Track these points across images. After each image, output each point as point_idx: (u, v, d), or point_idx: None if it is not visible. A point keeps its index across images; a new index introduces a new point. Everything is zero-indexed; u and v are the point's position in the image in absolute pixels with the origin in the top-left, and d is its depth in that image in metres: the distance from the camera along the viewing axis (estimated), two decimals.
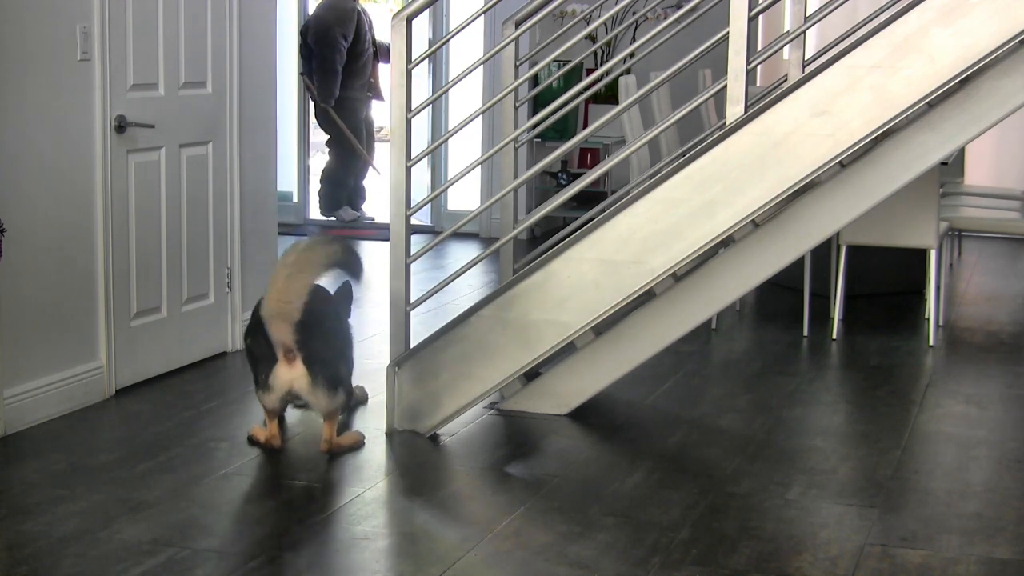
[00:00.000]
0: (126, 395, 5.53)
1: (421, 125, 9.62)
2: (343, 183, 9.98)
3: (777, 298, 7.48)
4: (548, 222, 9.40)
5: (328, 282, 5.01)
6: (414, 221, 5.26)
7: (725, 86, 4.82)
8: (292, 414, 5.21)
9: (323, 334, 4.84)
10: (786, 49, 5.67)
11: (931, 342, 6.57)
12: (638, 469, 4.79)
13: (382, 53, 9.95)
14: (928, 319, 6.66)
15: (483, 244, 9.42)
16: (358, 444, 4.96)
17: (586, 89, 5.72)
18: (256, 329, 4.89)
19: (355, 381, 5.19)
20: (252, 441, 4.93)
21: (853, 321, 7.03)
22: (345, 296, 5.35)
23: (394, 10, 9.47)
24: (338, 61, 9.40)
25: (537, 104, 8.50)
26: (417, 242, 5.64)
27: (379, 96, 9.97)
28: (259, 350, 4.85)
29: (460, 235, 9.50)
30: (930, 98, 4.73)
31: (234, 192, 6.19)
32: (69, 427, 5.11)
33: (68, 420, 5.18)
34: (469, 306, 5.17)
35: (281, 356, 4.77)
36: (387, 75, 5.64)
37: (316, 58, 9.37)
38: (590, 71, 8.77)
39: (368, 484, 4.61)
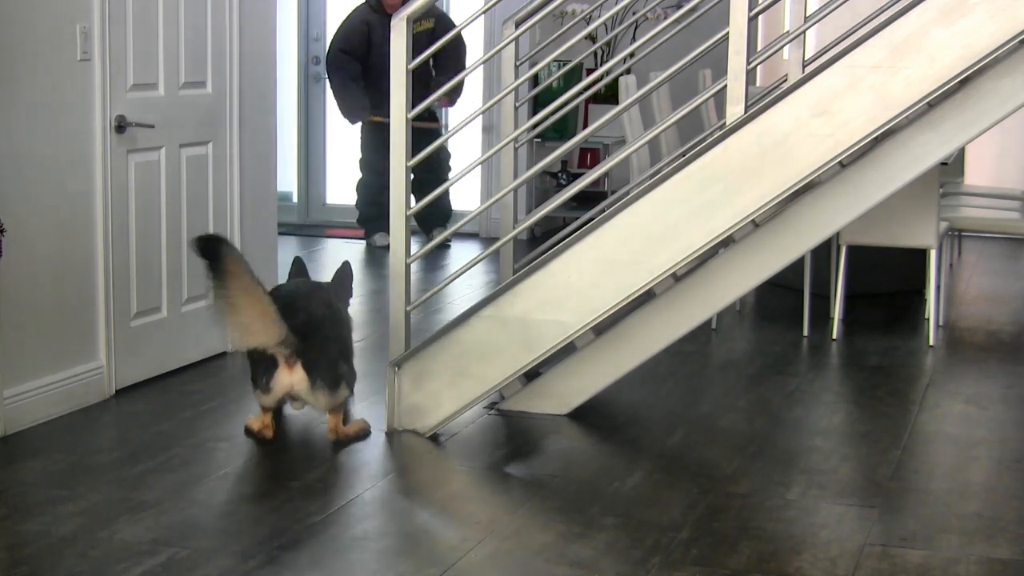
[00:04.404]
0: (126, 395, 5.53)
1: None
2: (374, 202, 9.31)
3: (777, 298, 7.48)
4: (548, 222, 9.39)
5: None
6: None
7: (725, 86, 4.82)
8: (297, 414, 5.22)
9: (320, 338, 4.87)
10: (786, 49, 5.66)
11: (931, 342, 6.57)
12: (638, 469, 4.79)
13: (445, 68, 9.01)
14: (928, 319, 6.66)
15: (483, 244, 9.41)
16: (364, 432, 5.02)
17: (586, 89, 5.72)
18: None
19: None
20: (248, 431, 4.99)
21: (853, 321, 7.03)
22: (345, 277, 5.43)
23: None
24: (344, 76, 9.11)
25: (537, 104, 8.49)
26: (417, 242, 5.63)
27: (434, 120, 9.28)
28: (259, 354, 4.86)
29: (460, 235, 9.49)
30: (930, 98, 4.73)
31: (234, 192, 6.19)
32: (69, 427, 5.11)
33: (68, 420, 5.18)
34: (469, 306, 5.17)
35: (282, 361, 4.81)
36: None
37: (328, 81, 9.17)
38: (590, 71, 8.77)
39: (368, 484, 4.61)
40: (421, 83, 8.48)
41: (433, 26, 8.85)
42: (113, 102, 5.40)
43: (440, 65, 8.94)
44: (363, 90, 9.15)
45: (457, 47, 9.06)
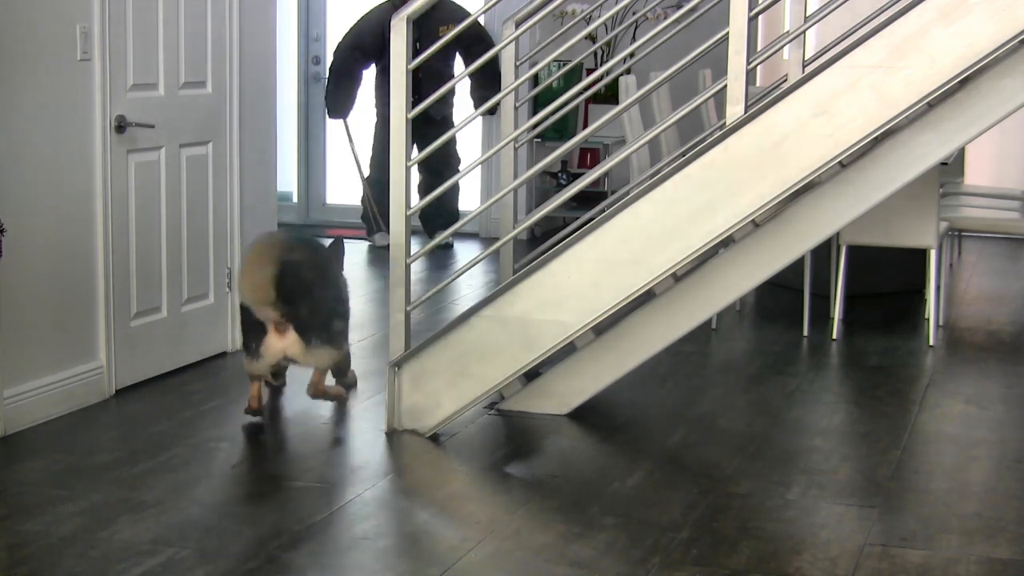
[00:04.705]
0: (126, 395, 5.53)
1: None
2: (379, 201, 9.22)
3: (777, 298, 7.48)
4: (548, 222, 9.39)
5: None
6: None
7: (725, 86, 4.82)
8: (294, 408, 5.22)
9: (311, 300, 5.01)
10: (786, 49, 5.67)
11: (931, 342, 6.57)
12: (638, 469, 4.79)
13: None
14: (928, 319, 6.66)
15: (483, 244, 9.41)
16: (341, 397, 5.27)
17: (586, 89, 5.71)
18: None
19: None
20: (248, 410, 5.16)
21: (853, 321, 7.03)
22: (336, 251, 5.59)
23: None
24: (343, 73, 9.11)
25: (537, 104, 8.49)
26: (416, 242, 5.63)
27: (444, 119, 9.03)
28: (250, 319, 5.02)
29: (460, 235, 9.49)
30: (930, 98, 4.73)
31: (234, 192, 6.19)
32: (69, 427, 5.11)
33: (68, 420, 5.18)
34: (469, 306, 5.17)
35: (272, 328, 4.93)
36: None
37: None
38: (590, 71, 8.76)
39: (368, 484, 4.61)
40: (436, 83, 8.48)
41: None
42: (113, 102, 5.40)
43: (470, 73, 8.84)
44: (355, 92, 9.18)
45: (485, 49, 8.75)
